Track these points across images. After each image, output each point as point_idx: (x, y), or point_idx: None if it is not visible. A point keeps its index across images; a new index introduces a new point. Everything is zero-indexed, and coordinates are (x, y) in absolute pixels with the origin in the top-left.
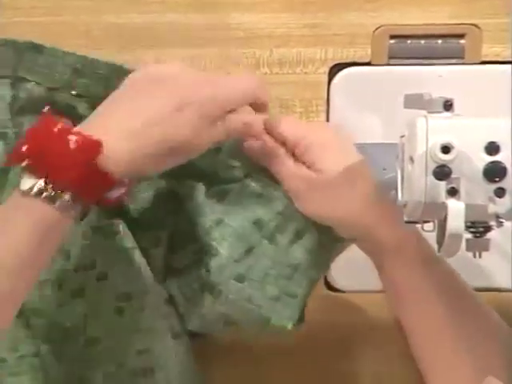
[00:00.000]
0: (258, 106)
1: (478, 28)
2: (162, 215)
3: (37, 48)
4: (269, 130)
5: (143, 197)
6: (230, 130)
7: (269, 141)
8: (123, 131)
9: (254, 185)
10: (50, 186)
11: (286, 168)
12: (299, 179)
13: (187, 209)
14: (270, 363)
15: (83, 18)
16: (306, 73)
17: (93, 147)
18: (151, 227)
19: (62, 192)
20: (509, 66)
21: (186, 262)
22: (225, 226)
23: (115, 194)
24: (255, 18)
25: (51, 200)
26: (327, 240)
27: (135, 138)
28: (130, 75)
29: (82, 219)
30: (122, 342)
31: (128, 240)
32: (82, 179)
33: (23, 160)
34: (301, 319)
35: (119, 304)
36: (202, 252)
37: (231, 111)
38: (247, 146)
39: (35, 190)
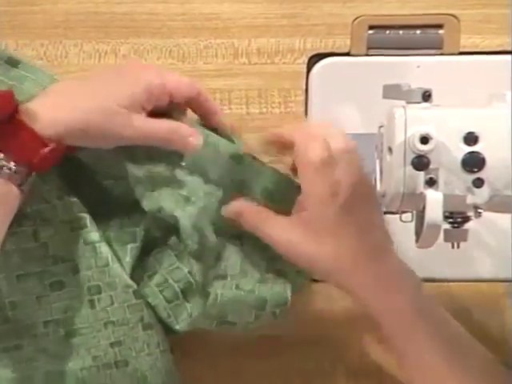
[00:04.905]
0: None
1: (457, 18)
2: (140, 212)
3: None
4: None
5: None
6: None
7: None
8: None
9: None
10: None
11: (278, 230)
12: (293, 234)
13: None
14: (247, 352)
15: (61, 7)
16: (284, 63)
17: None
18: (128, 223)
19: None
20: (487, 56)
21: (163, 265)
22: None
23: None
24: (234, 8)
25: None
26: None
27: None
28: None
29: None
30: (95, 335)
31: (94, 234)
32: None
33: None
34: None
35: (91, 297)
36: (182, 255)
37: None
38: (228, 210)
39: None
